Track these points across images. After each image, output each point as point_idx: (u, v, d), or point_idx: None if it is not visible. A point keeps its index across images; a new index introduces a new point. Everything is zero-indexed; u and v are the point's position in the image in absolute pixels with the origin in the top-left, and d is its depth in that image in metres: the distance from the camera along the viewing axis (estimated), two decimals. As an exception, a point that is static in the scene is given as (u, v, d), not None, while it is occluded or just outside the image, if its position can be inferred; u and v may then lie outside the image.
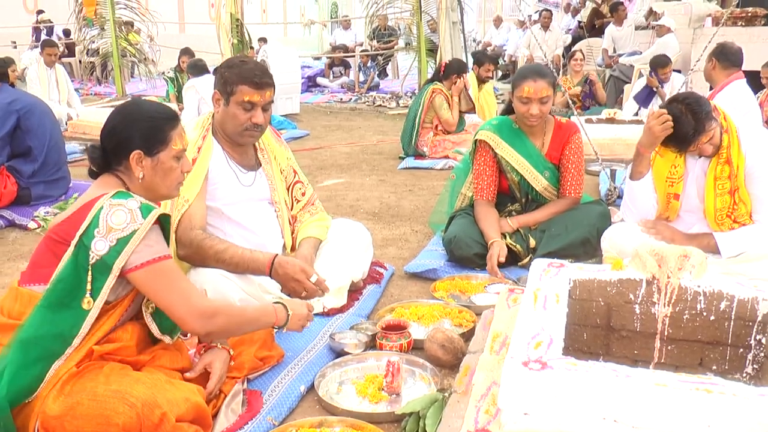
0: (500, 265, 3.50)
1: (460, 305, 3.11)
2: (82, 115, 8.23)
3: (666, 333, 2.29)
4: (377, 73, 14.00)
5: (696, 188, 3.26)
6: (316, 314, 2.93)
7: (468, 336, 2.81)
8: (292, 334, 2.66)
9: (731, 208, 3.20)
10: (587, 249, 3.55)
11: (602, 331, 2.40)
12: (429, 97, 6.83)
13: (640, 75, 9.66)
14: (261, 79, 2.76)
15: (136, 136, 2.07)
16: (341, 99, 12.34)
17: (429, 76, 10.61)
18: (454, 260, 3.62)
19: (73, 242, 1.93)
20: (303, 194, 3.17)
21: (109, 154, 2.10)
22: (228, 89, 2.79)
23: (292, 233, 3.08)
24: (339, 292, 3.02)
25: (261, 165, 3.03)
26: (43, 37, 15.94)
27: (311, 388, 2.42)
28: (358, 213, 4.98)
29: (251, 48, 9.53)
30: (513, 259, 3.61)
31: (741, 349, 2.17)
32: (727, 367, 2.20)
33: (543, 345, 1.86)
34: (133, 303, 2.08)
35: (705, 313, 2.19)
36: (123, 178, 2.10)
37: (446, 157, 6.72)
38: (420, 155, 6.88)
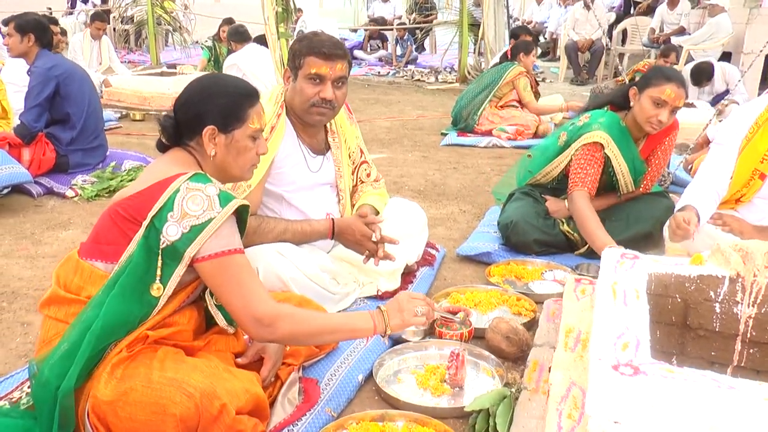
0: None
1: (518, 292, 2.95)
2: (117, 82, 8.15)
3: (749, 335, 2.11)
4: (415, 47, 13.75)
5: None
6: (369, 297, 2.81)
7: (529, 326, 2.67)
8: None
9: None
10: (648, 243, 3.37)
11: (677, 330, 2.23)
12: (514, 76, 6.68)
13: (689, 57, 9.35)
14: (330, 50, 2.57)
15: (212, 110, 1.94)
16: (379, 72, 12.12)
17: (470, 51, 10.43)
18: (511, 246, 3.45)
19: (144, 223, 1.80)
20: (368, 175, 3.04)
21: (182, 127, 1.97)
22: (296, 62, 2.63)
23: (353, 207, 2.94)
24: (392, 275, 2.87)
25: (330, 148, 2.88)
26: (79, 3, 15.93)
27: (369, 377, 2.29)
28: (402, 190, 4.83)
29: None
30: (569, 247, 3.45)
31: (836, 358, 2.01)
32: (819, 377, 2.03)
33: (631, 346, 1.70)
34: (195, 290, 1.96)
35: (796, 317, 2.02)
36: (195, 154, 1.98)
37: (490, 133, 6.55)
38: (463, 131, 6.71)
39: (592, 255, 3.38)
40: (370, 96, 9.55)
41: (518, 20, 16.67)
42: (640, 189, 3.53)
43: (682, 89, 3.18)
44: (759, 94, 7.97)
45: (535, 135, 6.51)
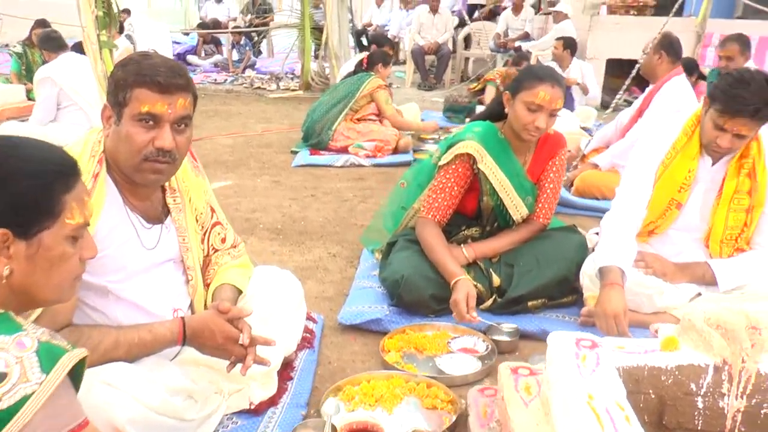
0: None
1: (427, 378, 2.32)
2: None
3: (737, 432, 1.77)
4: (252, 51, 12.92)
5: (702, 202, 2.81)
6: (240, 412, 2.07)
7: (452, 429, 2.06)
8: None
9: (742, 229, 2.79)
10: (564, 288, 2.92)
11: (651, 431, 1.80)
12: (372, 89, 6.08)
13: (538, 62, 9.27)
14: (168, 79, 1.78)
15: (1, 204, 1.21)
16: (215, 80, 11.15)
17: (313, 55, 9.81)
18: (403, 305, 2.82)
19: None
20: (223, 240, 2.23)
21: None
22: (120, 97, 1.80)
23: (206, 286, 2.19)
24: (268, 377, 2.11)
25: (170, 213, 2.08)
26: None
27: None
28: (257, 230, 4.09)
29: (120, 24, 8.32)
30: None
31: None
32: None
33: None
34: None
35: (792, 408, 1.67)
36: None
37: (346, 150, 5.96)
38: (316, 148, 6.06)
39: (500, 309, 2.87)
40: (207, 107, 8.64)
41: (355, 24, 16.27)
42: (539, 219, 3.04)
43: (557, 88, 2.79)
44: (600, 98, 8.03)
45: (395, 150, 6.00)
